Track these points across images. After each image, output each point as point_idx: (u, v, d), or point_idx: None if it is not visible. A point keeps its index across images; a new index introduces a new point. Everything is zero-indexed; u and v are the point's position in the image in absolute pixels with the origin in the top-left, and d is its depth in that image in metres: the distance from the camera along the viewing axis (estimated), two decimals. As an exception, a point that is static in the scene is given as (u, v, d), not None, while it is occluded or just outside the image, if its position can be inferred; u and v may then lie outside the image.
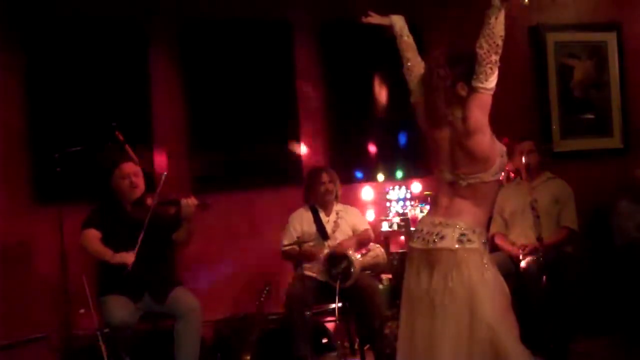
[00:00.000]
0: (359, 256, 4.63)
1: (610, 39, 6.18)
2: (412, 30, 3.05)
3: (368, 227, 4.96)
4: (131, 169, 4.33)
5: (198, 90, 5.28)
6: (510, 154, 5.04)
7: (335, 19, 5.54)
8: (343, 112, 5.60)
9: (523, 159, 4.86)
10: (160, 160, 5.10)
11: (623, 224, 5.42)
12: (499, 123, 5.13)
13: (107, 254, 4.10)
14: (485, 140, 2.76)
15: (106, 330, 4.11)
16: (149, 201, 4.15)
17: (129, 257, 4.02)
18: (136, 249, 4.02)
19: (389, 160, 5.68)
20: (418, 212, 5.30)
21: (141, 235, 4.02)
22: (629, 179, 5.55)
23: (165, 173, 4.23)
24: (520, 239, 4.81)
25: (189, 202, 4.18)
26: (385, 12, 2.93)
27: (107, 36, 5.08)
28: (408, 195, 5.48)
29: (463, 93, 2.77)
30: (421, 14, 5.34)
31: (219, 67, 5.32)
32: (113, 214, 4.30)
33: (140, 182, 4.34)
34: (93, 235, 4.19)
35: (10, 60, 4.89)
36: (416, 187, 5.63)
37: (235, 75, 5.35)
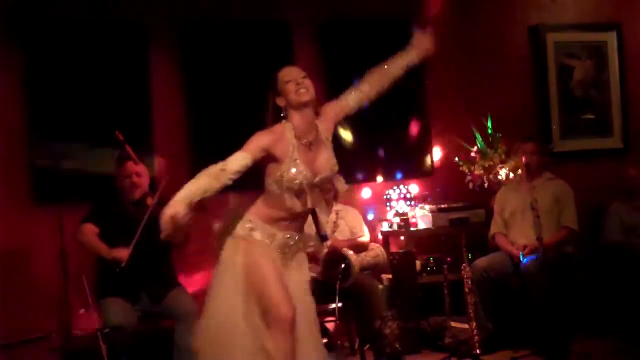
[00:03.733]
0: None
1: (610, 39, 6.17)
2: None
3: (365, 235, 4.95)
4: (134, 169, 4.33)
5: (198, 91, 5.27)
6: (513, 154, 5.06)
7: (335, 19, 5.54)
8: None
9: (524, 159, 4.86)
10: (161, 160, 5.09)
11: (610, 223, 5.45)
12: (499, 123, 5.23)
13: (103, 249, 4.12)
14: None
15: (106, 330, 4.12)
16: (149, 202, 4.16)
17: (124, 253, 4.03)
18: (131, 245, 4.02)
19: (389, 160, 5.67)
20: (418, 212, 5.28)
21: (138, 233, 4.03)
22: (621, 179, 5.56)
23: (167, 178, 4.22)
24: (520, 239, 4.81)
25: None
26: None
27: (107, 36, 5.08)
28: (408, 195, 5.47)
29: None
30: (421, 14, 5.38)
31: (219, 67, 5.32)
32: (112, 212, 4.30)
33: (142, 181, 4.35)
34: (90, 230, 4.21)
35: (10, 60, 4.89)
36: (416, 187, 5.62)
37: (235, 75, 5.34)
